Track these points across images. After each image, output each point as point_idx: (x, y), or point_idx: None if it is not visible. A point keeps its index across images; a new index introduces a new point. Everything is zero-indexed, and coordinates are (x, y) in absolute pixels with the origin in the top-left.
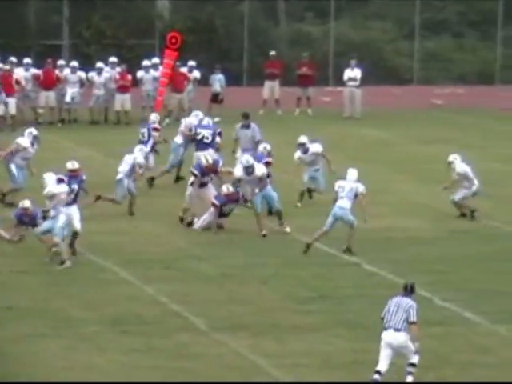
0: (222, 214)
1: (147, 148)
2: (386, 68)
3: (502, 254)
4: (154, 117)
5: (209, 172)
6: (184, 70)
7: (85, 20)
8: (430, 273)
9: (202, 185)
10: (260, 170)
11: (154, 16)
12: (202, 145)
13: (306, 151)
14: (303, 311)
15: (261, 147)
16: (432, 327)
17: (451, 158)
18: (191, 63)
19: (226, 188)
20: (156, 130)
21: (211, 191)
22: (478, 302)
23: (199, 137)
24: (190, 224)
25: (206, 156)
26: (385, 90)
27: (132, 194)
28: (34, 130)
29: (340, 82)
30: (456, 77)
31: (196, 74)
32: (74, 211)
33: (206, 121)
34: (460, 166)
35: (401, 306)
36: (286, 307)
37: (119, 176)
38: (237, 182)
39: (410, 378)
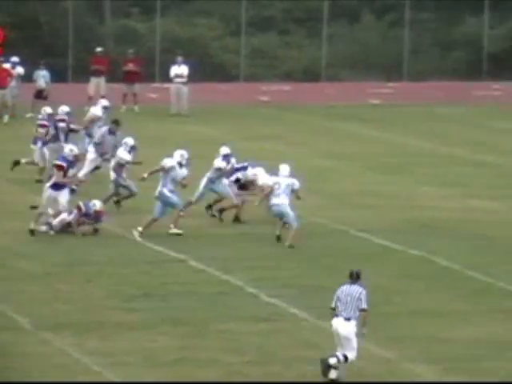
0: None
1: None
2: (212, 65)
3: (327, 249)
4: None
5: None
6: (7, 65)
7: None
8: (257, 269)
9: (59, 187)
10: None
11: None
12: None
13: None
14: (128, 309)
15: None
16: (258, 323)
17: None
18: (14, 59)
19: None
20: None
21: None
22: (305, 298)
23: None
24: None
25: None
26: (212, 86)
27: None
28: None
29: (167, 78)
30: (282, 73)
31: (19, 70)
32: None
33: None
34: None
35: (351, 295)
36: (111, 305)
37: None
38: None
39: (333, 374)
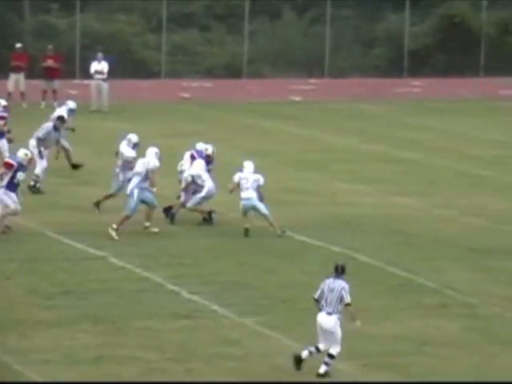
0: None
1: None
2: (133, 61)
3: (248, 246)
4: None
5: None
6: None
7: None
8: (178, 266)
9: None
10: None
11: None
12: None
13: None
14: (48, 306)
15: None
16: (179, 320)
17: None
18: None
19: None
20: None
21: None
22: (226, 295)
23: None
24: None
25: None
26: (133, 83)
27: None
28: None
29: (87, 74)
30: (204, 70)
31: None
32: None
33: None
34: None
35: (333, 289)
36: (31, 303)
37: None
38: None
39: (323, 368)
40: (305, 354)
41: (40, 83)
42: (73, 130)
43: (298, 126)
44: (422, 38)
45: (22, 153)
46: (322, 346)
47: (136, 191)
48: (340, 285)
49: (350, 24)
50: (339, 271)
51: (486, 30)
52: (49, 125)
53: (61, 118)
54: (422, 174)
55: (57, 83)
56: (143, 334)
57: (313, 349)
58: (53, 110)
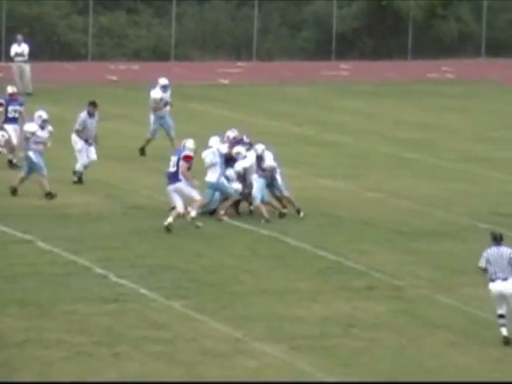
0: None
1: None
2: (60, 43)
3: (176, 229)
4: None
5: None
6: None
7: None
8: (105, 249)
9: None
10: None
11: None
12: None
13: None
14: None
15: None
16: (107, 304)
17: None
18: None
19: None
20: None
21: None
22: (154, 278)
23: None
24: None
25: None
26: (59, 65)
27: None
28: (43, 114)
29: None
30: (131, 52)
31: None
32: None
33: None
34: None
35: (502, 256)
36: None
37: None
38: None
39: (505, 330)
40: (504, 331)
41: None
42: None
43: (226, 109)
44: (349, 20)
45: None
46: (503, 311)
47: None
48: (507, 252)
49: (277, 7)
50: (498, 239)
51: (414, 13)
52: (83, 113)
53: (92, 104)
54: (351, 157)
55: None
56: (70, 317)
57: (503, 321)
58: None
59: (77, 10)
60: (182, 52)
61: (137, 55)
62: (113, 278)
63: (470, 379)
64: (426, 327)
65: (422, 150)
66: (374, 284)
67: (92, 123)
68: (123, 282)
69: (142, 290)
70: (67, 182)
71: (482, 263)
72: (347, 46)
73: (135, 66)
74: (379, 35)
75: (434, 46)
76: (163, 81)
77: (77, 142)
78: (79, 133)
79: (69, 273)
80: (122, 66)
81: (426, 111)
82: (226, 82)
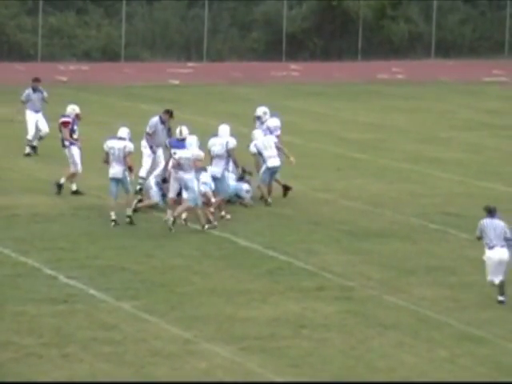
0: None
1: None
2: (9, 44)
3: (125, 230)
4: None
5: None
6: None
7: None
8: (54, 250)
9: None
10: None
11: None
12: None
13: None
14: None
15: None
16: (56, 305)
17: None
18: None
19: None
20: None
21: None
22: (103, 279)
23: None
24: None
25: None
26: (8, 66)
27: None
28: None
29: None
30: (81, 53)
31: None
32: None
33: None
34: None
35: (496, 227)
36: None
37: None
38: None
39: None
40: (501, 298)
41: None
42: None
43: (176, 109)
44: (299, 21)
45: None
46: (496, 279)
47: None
48: (500, 223)
49: (227, 7)
50: (493, 211)
51: (364, 14)
52: (155, 118)
53: (167, 112)
54: (301, 157)
55: None
56: (19, 318)
57: (502, 292)
58: None
59: (26, 10)
60: (132, 52)
61: (87, 56)
62: (62, 279)
63: (419, 379)
64: (376, 328)
65: (371, 150)
66: (324, 284)
67: (163, 131)
68: (73, 282)
69: (92, 291)
70: (12, 183)
71: (478, 233)
72: (297, 47)
73: (85, 67)
74: (329, 36)
75: (384, 47)
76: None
77: (146, 147)
78: (149, 137)
79: (18, 274)
80: (72, 67)
81: (375, 112)
82: (176, 82)
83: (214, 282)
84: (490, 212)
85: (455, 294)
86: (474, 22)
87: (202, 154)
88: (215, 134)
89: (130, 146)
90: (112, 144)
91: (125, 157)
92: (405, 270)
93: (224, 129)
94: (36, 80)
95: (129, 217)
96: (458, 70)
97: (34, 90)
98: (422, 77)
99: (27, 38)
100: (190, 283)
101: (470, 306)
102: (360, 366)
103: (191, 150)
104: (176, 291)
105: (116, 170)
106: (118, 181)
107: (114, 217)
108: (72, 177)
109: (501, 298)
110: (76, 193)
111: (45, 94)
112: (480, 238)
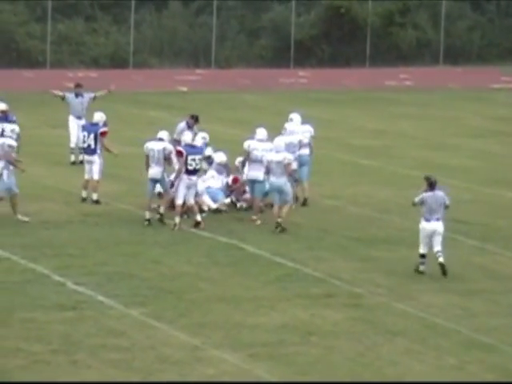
0: None
1: None
2: (18, 51)
3: (133, 237)
4: None
5: None
6: None
7: None
8: (63, 257)
9: None
10: None
11: None
12: None
13: None
14: None
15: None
16: (65, 312)
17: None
18: None
19: None
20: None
21: None
22: (111, 286)
23: None
24: None
25: None
26: (17, 73)
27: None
28: None
29: None
30: (89, 60)
31: None
32: None
33: None
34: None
35: (437, 200)
36: None
37: None
38: None
39: (422, 268)
40: (422, 268)
41: None
42: None
43: (185, 116)
44: (307, 28)
45: None
46: (424, 251)
47: None
48: (440, 195)
49: (235, 14)
50: (434, 184)
51: (372, 21)
52: (182, 124)
53: (193, 118)
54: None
55: None
56: (28, 325)
57: (423, 260)
58: None
59: (35, 18)
60: (141, 59)
61: (95, 63)
62: (71, 285)
63: None
64: (384, 335)
65: (379, 157)
66: (332, 291)
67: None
68: (81, 289)
69: (100, 298)
70: (20, 190)
71: (417, 201)
72: (305, 54)
73: (93, 74)
74: (337, 43)
75: (392, 54)
76: None
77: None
78: (176, 143)
79: (26, 280)
80: (81, 74)
81: (383, 119)
82: (184, 89)
83: (222, 288)
84: (431, 185)
85: (463, 301)
86: (482, 29)
87: (291, 156)
88: (252, 137)
89: (169, 147)
90: (151, 146)
91: (164, 158)
92: (413, 277)
93: (263, 133)
94: (78, 86)
95: (160, 215)
96: (466, 77)
97: (77, 95)
98: (430, 84)
99: (36, 44)
100: (198, 290)
101: (479, 313)
102: (368, 373)
103: (282, 153)
104: (184, 298)
105: (155, 170)
106: (155, 181)
107: (148, 216)
108: (88, 184)
109: (422, 268)
110: (85, 200)
111: (91, 95)
112: (415, 205)
